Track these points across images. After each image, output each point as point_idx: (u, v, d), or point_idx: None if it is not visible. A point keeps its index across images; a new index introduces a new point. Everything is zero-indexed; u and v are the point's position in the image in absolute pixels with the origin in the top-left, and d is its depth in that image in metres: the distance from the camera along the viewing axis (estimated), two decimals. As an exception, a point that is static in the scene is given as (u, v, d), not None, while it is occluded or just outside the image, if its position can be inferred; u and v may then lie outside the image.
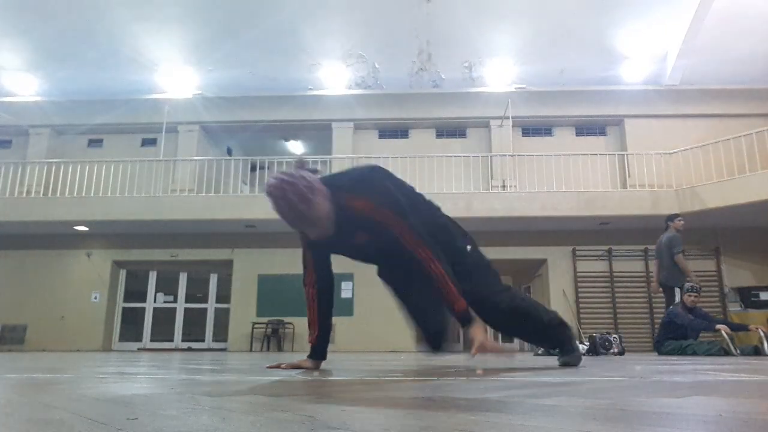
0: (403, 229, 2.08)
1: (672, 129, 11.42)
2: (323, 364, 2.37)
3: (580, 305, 10.69)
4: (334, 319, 2.45)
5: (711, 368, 2.48)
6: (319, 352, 2.34)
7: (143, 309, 11.97)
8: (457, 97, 11.99)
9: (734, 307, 10.32)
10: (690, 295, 6.54)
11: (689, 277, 6.85)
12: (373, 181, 2.20)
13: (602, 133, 12.28)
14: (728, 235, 10.51)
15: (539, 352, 7.08)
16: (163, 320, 11.93)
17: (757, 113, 11.28)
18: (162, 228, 10.93)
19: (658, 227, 10.64)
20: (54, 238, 11.22)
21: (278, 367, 2.31)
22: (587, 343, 6.98)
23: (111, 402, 1.02)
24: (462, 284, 2.14)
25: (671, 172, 10.25)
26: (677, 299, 6.77)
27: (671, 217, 7.42)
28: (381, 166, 2.35)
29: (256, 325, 10.81)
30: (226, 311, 11.44)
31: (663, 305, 7.45)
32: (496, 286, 2.49)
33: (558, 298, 10.72)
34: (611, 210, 9.93)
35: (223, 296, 11.82)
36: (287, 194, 1.91)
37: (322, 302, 2.35)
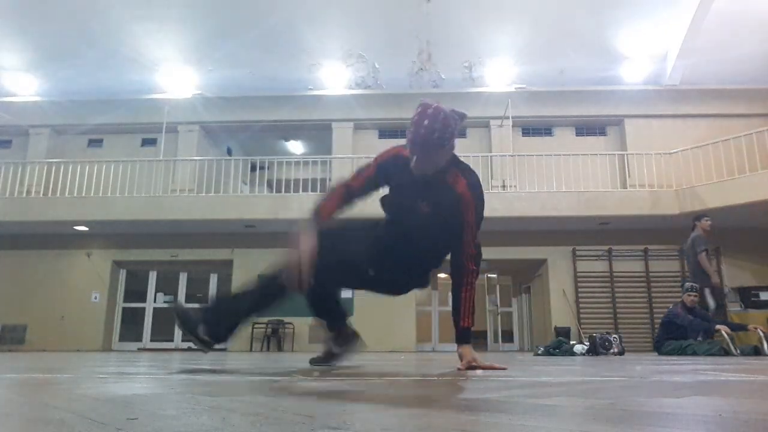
0: (472, 228, 2.21)
1: (672, 129, 11.42)
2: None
3: (580, 305, 10.69)
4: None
5: (711, 368, 2.48)
6: (320, 220, 2.34)
7: (143, 309, 11.97)
8: (457, 97, 11.97)
9: (734, 307, 10.31)
10: (690, 295, 6.54)
11: (712, 279, 6.72)
12: (480, 185, 2.30)
13: (602, 133, 12.29)
14: (728, 235, 10.50)
15: (539, 351, 7.09)
16: (163, 320, 11.92)
17: (757, 113, 11.28)
18: (162, 228, 10.93)
19: (658, 227, 10.71)
20: (54, 238, 11.22)
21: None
22: (587, 343, 6.98)
23: (111, 402, 1.02)
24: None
25: (671, 172, 10.24)
26: (709, 302, 6.61)
27: (698, 217, 7.20)
28: None
29: (256, 325, 10.80)
30: (226, 311, 11.43)
31: (663, 305, 7.44)
32: None
33: (558, 298, 10.72)
34: (611, 210, 9.93)
35: (223, 296, 11.81)
36: (437, 119, 2.02)
37: (343, 206, 2.35)
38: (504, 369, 2.20)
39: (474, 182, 2.24)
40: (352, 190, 2.33)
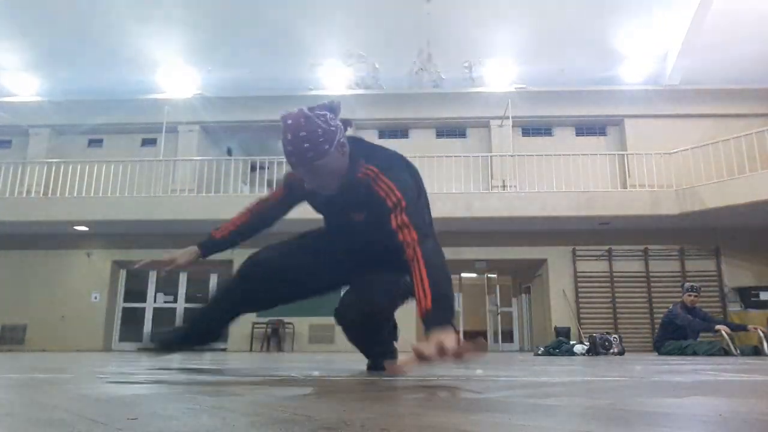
0: (400, 205, 1.74)
1: (672, 129, 11.42)
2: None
3: (580, 305, 10.68)
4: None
5: (711, 368, 2.48)
6: (210, 245, 2.26)
7: (143, 309, 11.97)
8: (457, 97, 11.99)
9: (734, 307, 10.31)
10: (690, 295, 6.54)
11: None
12: (395, 159, 1.98)
13: (602, 133, 12.29)
14: (728, 235, 10.51)
15: (539, 351, 7.09)
16: (163, 320, 11.92)
17: (757, 113, 11.28)
18: (162, 228, 10.92)
19: (658, 227, 10.72)
20: (54, 238, 11.21)
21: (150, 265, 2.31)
22: (587, 343, 6.98)
23: (111, 402, 1.02)
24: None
25: (671, 172, 10.24)
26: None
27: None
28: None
29: (256, 325, 10.81)
30: (226, 311, 11.43)
31: (663, 305, 7.42)
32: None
33: (558, 298, 10.72)
34: (611, 210, 9.93)
35: (223, 296, 11.81)
36: (299, 130, 1.69)
37: (255, 221, 2.25)
38: (483, 350, 1.58)
39: (384, 163, 1.87)
40: (266, 205, 2.25)
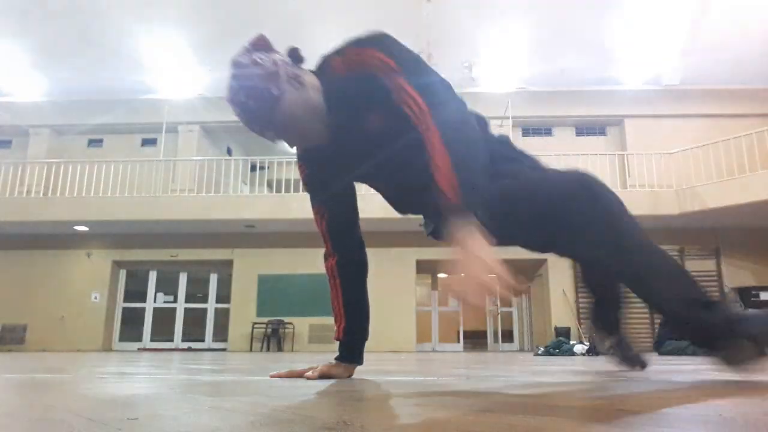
0: (397, 80, 1.33)
1: (672, 129, 11.43)
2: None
3: (580, 305, 10.68)
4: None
5: (711, 368, 2.48)
6: (349, 351, 1.67)
7: (143, 309, 11.98)
8: (457, 97, 11.99)
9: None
10: None
11: None
12: (370, 34, 1.44)
13: (602, 133, 12.29)
14: (728, 235, 10.51)
15: (539, 351, 7.09)
16: (163, 320, 11.93)
17: (757, 113, 11.29)
18: (162, 228, 10.93)
19: (658, 227, 10.71)
20: (54, 238, 11.22)
21: (288, 375, 1.66)
22: (587, 343, 6.98)
23: (111, 402, 1.02)
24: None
25: (671, 172, 10.25)
26: None
27: None
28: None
29: (256, 325, 10.81)
30: (226, 311, 11.45)
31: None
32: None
33: (558, 298, 10.72)
34: (611, 210, 9.92)
35: (223, 296, 11.83)
36: (241, 87, 1.34)
37: (346, 277, 1.66)
38: (524, 286, 1.16)
39: (354, 39, 1.42)
40: (331, 249, 1.67)
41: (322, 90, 1.41)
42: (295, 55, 1.42)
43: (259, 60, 1.35)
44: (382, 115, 1.43)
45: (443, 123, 1.26)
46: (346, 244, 1.67)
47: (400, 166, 1.48)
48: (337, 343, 1.68)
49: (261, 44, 1.40)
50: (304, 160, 1.62)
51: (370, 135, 1.46)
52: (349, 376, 1.66)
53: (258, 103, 1.33)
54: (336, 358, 1.66)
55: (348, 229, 1.68)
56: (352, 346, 1.67)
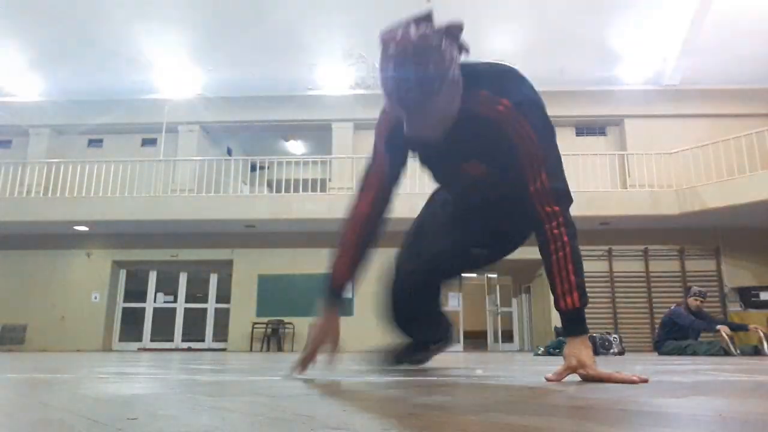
0: (533, 155, 1.47)
1: (672, 129, 11.42)
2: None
3: (580, 305, 10.69)
4: None
5: (711, 368, 2.48)
6: (338, 291, 1.72)
7: (143, 309, 11.98)
8: (457, 97, 11.99)
9: (734, 307, 10.32)
10: (696, 299, 6.52)
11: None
12: (523, 84, 1.56)
13: (602, 133, 12.29)
14: (728, 235, 10.51)
15: (539, 351, 7.09)
16: (163, 320, 11.93)
17: (757, 113, 11.29)
18: (162, 228, 10.93)
19: (658, 227, 10.72)
20: (54, 238, 11.22)
21: (304, 366, 1.71)
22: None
23: (111, 402, 1.02)
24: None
25: (671, 172, 10.25)
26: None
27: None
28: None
29: (256, 325, 10.81)
30: (226, 311, 11.44)
31: (663, 305, 7.40)
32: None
33: (558, 298, 10.71)
34: (611, 210, 9.93)
35: (223, 296, 11.82)
36: (407, 60, 1.30)
37: (369, 229, 1.70)
38: (644, 381, 1.35)
39: (513, 87, 1.52)
40: (374, 190, 1.71)
41: (461, 107, 1.43)
42: (464, 45, 1.45)
43: (444, 47, 1.36)
44: (492, 169, 1.61)
45: (573, 242, 1.43)
46: (384, 206, 1.73)
47: (491, 204, 1.76)
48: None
49: (453, 30, 1.43)
50: (399, 128, 1.49)
51: (467, 173, 1.66)
52: (335, 325, 1.70)
53: (422, 83, 1.29)
54: (325, 306, 1.70)
55: (390, 198, 1.74)
56: (342, 285, 1.72)
